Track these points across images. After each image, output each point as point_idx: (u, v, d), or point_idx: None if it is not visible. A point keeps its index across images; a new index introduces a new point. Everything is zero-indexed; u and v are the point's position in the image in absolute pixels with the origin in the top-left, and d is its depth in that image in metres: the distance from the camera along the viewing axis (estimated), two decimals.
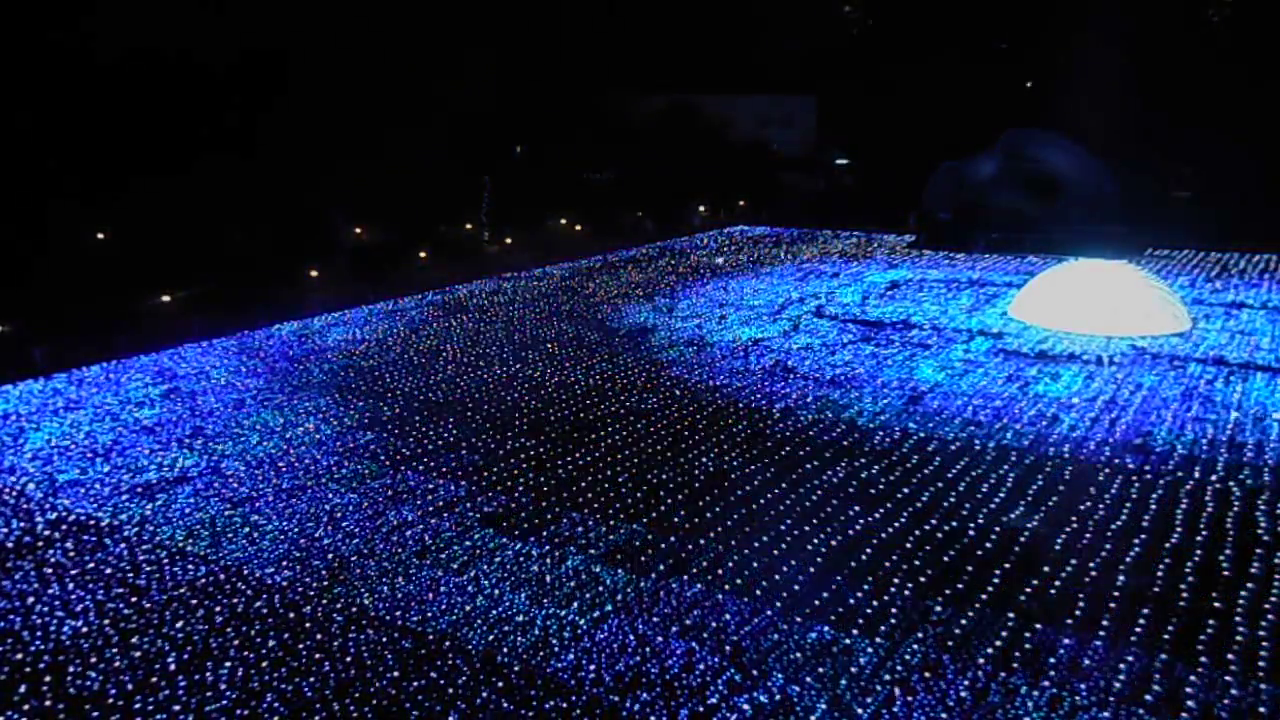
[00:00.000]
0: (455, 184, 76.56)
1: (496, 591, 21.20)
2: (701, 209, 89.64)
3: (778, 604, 20.47)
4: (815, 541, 23.42)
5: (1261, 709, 16.96)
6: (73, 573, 22.19)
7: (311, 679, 18.05)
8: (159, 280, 52.52)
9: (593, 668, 18.34)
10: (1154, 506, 25.36)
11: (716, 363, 40.13)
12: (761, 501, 25.83)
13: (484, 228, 77.35)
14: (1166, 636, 19.17)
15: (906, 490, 26.58)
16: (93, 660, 18.69)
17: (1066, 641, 18.95)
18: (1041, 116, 78.33)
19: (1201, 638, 19.14)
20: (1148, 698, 17.29)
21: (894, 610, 20.18)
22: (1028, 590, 21.00)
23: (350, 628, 19.81)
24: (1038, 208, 70.82)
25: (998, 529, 24.11)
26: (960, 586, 21.20)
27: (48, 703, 17.44)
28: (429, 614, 20.29)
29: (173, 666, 18.47)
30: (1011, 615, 19.93)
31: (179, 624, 19.98)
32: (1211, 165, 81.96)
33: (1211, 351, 41.10)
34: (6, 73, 55.12)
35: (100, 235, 60.99)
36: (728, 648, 18.86)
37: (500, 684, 17.87)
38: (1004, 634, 19.26)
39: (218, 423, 32.74)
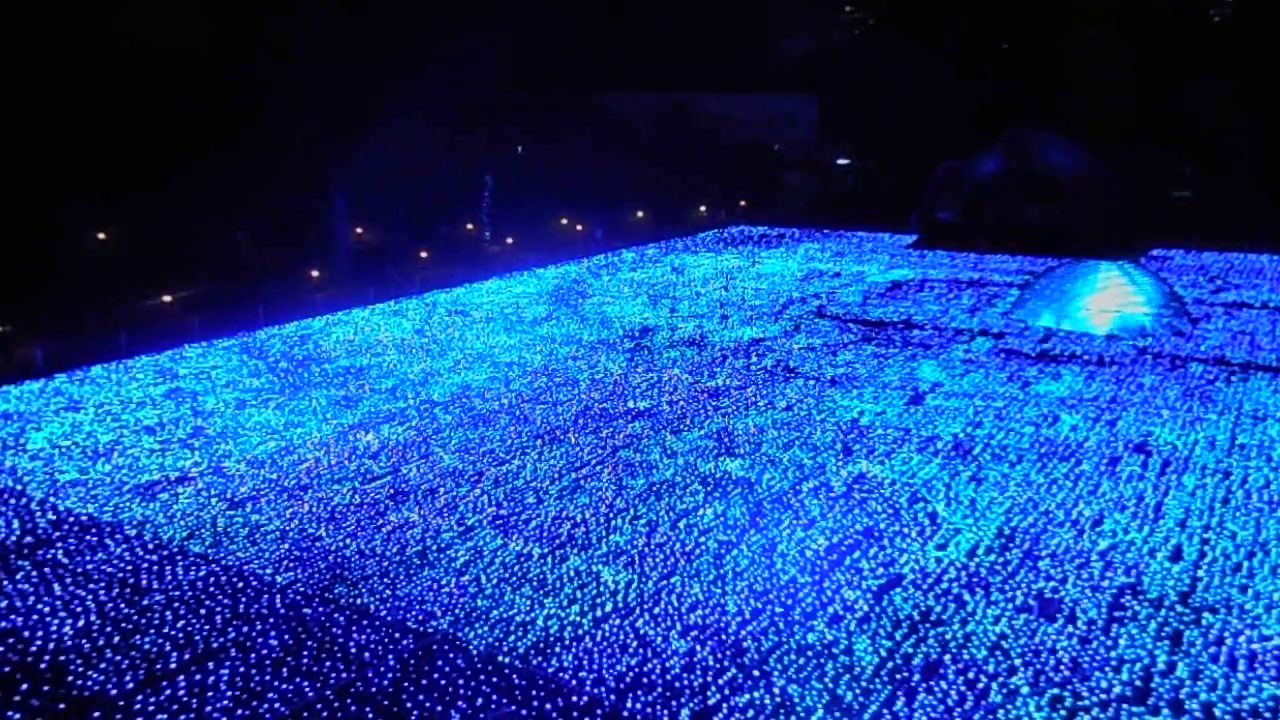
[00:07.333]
0: (455, 184, 76.48)
1: (497, 591, 21.21)
2: (702, 209, 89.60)
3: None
4: None
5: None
6: (73, 572, 22.19)
7: (312, 679, 18.04)
8: (159, 280, 52.53)
9: (594, 667, 18.35)
10: None
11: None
12: None
13: (485, 227, 77.32)
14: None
15: None
16: (93, 660, 18.70)
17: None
18: (1041, 116, 78.32)
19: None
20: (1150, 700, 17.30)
21: None
22: None
23: (351, 628, 19.80)
24: (1038, 207, 70.82)
25: None
26: None
27: (48, 703, 17.44)
28: (429, 614, 20.30)
29: (173, 666, 18.47)
30: None
31: (179, 624, 19.98)
32: (1212, 165, 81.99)
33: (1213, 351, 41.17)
34: (7, 72, 55.12)
35: (101, 235, 61.01)
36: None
37: (500, 684, 17.87)
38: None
39: (218, 422, 32.72)
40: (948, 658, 18.52)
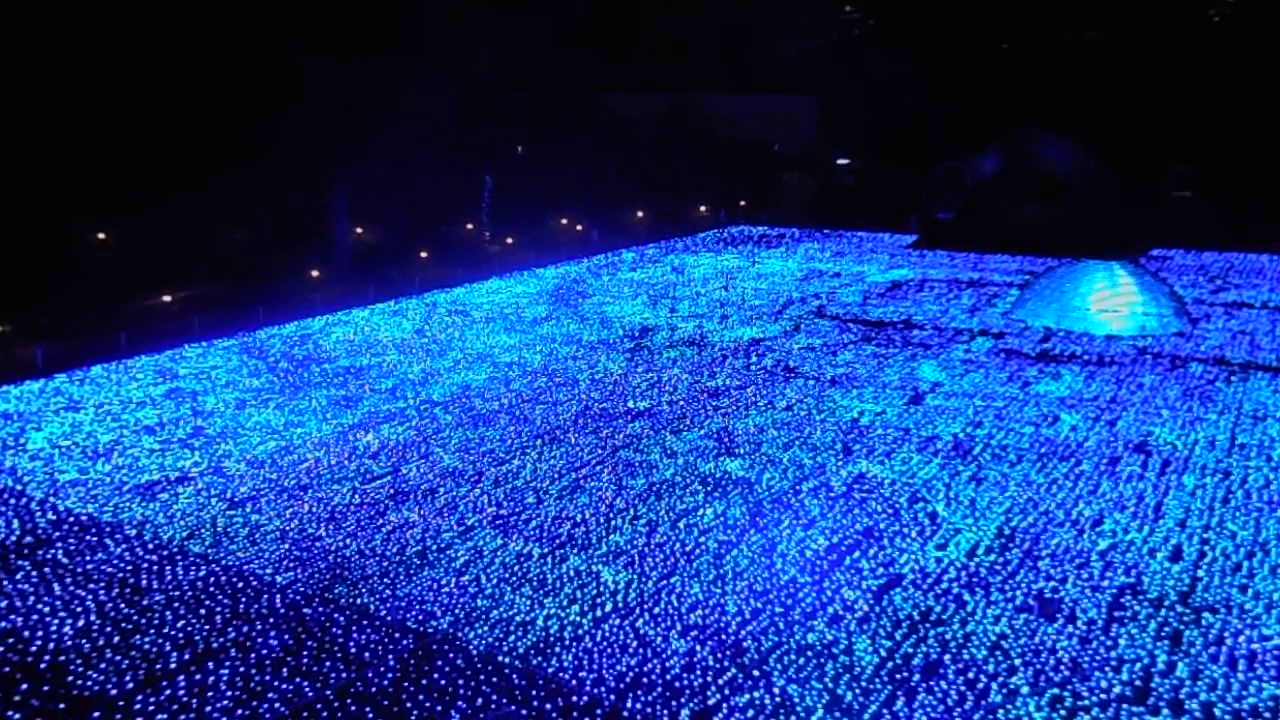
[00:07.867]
0: (455, 184, 76.42)
1: (497, 591, 21.20)
2: (702, 209, 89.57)
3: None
4: None
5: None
6: (73, 572, 22.18)
7: (312, 679, 18.04)
8: (159, 280, 52.50)
9: (594, 667, 18.35)
10: None
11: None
12: None
13: (485, 228, 77.27)
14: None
15: None
16: (93, 660, 18.69)
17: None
18: (1041, 116, 78.32)
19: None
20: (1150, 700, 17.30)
21: None
22: None
23: (351, 628, 19.80)
24: (1038, 207, 70.82)
25: None
26: None
27: (48, 703, 17.43)
28: (429, 614, 20.29)
29: (173, 666, 18.47)
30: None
31: (179, 624, 19.97)
32: (1212, 164, 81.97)
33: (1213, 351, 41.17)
34: (7, 73, 55.15)
35: (101, 236, 61.00)
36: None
37: (500, 684, 17.87)
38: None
39: (218, 423, 32.70)
40: (948, 658, 18.53)
